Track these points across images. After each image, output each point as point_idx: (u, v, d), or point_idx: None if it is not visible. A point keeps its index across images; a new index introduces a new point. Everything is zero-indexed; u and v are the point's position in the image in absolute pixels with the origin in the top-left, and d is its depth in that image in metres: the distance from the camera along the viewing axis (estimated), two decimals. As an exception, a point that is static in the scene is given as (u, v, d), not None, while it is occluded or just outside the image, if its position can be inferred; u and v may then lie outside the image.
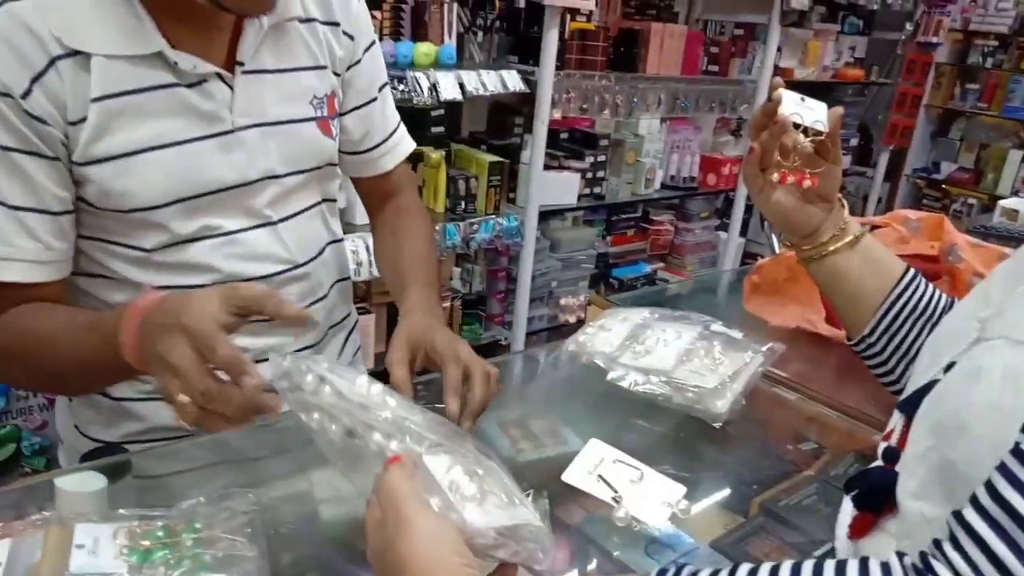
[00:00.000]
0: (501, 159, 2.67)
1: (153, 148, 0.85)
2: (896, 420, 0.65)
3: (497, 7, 2.67)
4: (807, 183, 0.87)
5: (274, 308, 0.70)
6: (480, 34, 2.65)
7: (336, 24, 1.00)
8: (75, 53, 0.79)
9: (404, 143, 1.16)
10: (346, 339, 1.17)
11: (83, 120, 0.81)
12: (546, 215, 3.01)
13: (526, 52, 2.65)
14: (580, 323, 1.19)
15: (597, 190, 3.19)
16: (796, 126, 0.86)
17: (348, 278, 1.16)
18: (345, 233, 1.20)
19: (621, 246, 3.55)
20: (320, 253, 1.05)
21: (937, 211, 1.27)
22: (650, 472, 0.83)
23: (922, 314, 0.85)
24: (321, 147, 1.00)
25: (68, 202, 0.85)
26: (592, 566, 0.80)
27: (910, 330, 0.85)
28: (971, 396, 0.53)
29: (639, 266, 3.60)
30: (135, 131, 0.84)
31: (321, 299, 1.06)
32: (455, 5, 2.43)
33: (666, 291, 2.42)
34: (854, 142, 4.49)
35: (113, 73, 0.82)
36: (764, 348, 1.05)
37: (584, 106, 2.80)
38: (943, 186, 4.48)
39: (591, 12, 2.79)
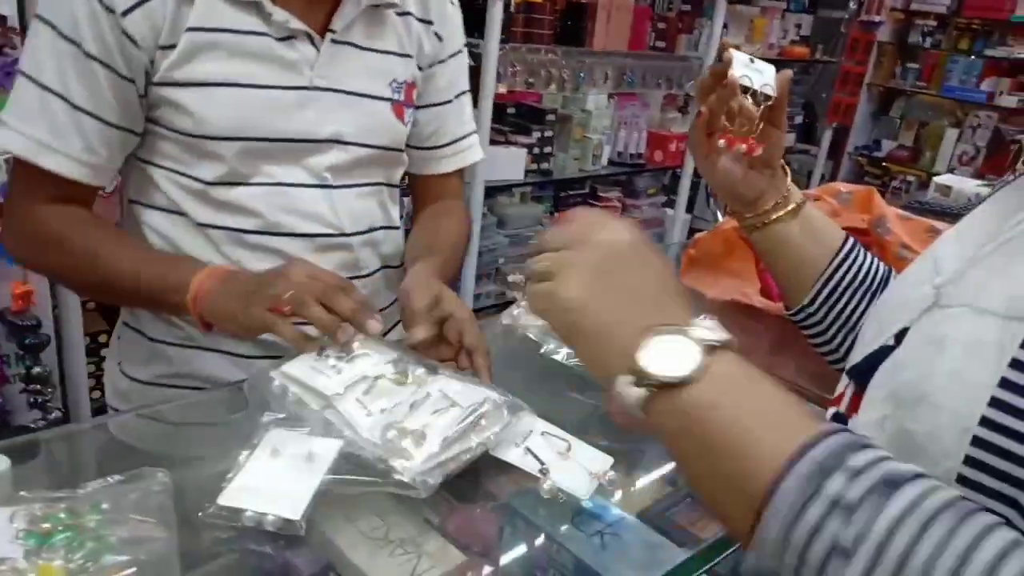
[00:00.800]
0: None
1: (232, 84, 0.91)
2: (844, 385, 0.64)
3: (441, -23, 2.62)
4: (756, 150, 0.85)
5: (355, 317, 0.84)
6: (424, 5, 2.60)
7: (430, 23, 1.07)
8: None
9: (471, 152, 1.20)
10: (391, 328, 1.14)
11: (173, 46, 0.88)
12: (493, 191, 2.99)
13: (471, 24, 2.59)
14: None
15: (544, 166, 3.17)
16: (744, 90, 0.83)
17: (400, 266, 1.13)
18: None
19: (569, 222, 3.55)
20: (369, 231, 1.06)
21: (878, 188, 1.29)
22: (578, 444, 0.83)
23: (862, 283, 0.85)
24: (392, 128, 1.04)
25: (125, 119, 0.91)
26: (520, 539, 0.80)
27: (850, 300, 0.85)
28: (933, 366, 0.52)
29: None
30: (219, 65, 0.90)
31: (362, 276, 1.07)
32: (397, -26, 2.37)
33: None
34: (799, 119, 4.56)
35: (213, 10, 0.89)
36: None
37: (530, 80, 2.78)
38: (884, 164, 4.59)
39: (537, -16, 2.76)
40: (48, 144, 0.88)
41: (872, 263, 0.87)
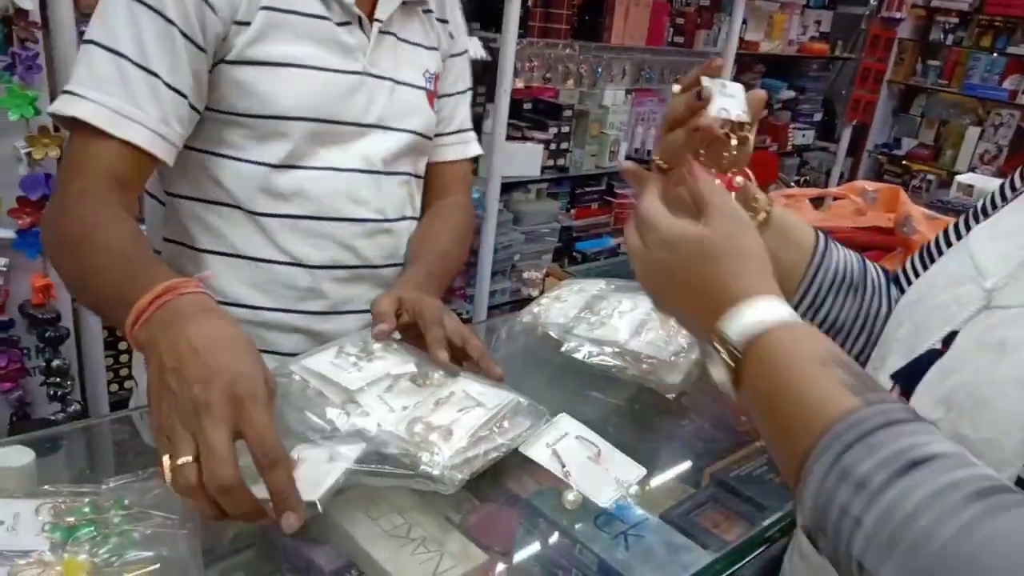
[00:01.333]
0: (463, 129, 2.63)
1: (301, 66, 0.94)
2: (888, 388, 0.62)
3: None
4: (739, 181, 0.73)
5: None
6: (442, 0, 2.60)
7: (445, 22, 1.13)
8: None
9: (473, 145, 1.24)
10: None
11: (248, 23, 0.90)
12: (509, 187, 2.98)
13: (488, 19, 2.60)
14: (543, 295, 1.17)
15: (561, 162, 3.16)
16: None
17: None
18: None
19: (585, 219, 3.54)
20: (402, 219, 1.08)
21: (898, 186, 1.27)
22: (611, 451, 0.82)
23: (842, 282, 0.80)
24: (427, 116, 1.09)
25: (195, 95, 0.90)
26: (542, 539, 0.79)
27: (834, 301, 0.80)
28: (994, 370, 0.51)
29: (603, 240, 3.59)
30: (289, 46, 0.93)
31: (399, 265, 1.09)
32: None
33: (627, 263, 2.41)
34: (818, 116, 4.51)
35: None
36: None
37: (547, 75, 2.77)
38: (903, 162, 4.54)
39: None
40: (127, 113, 0.84)
41: (845, 257, 0.82)
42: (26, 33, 1.56)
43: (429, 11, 1.09)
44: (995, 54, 4.11)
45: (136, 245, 0.81)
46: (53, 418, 1.81)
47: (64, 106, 0.84)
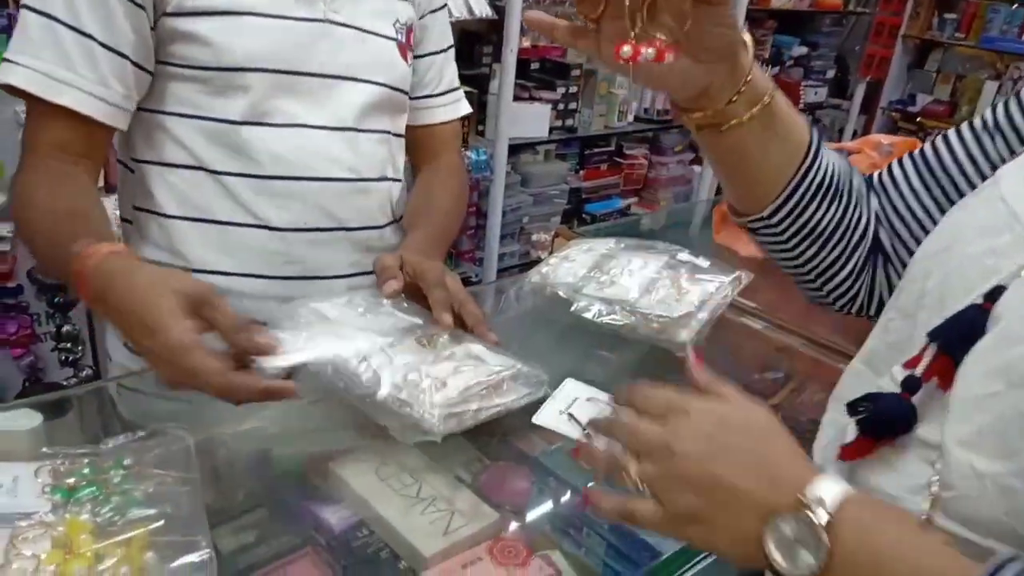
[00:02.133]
0: (469, 89, 2.57)
1: (254, 14, 0.90)
2: (921, 347, 0.55)
3: (464, -73, 2.54)
4: (667, 55, 0.59)
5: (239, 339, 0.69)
6: (446, -44, 2.54)
7: None
8: None
9: (462, 104, 1.20)
10: None
11: None
12: (516, 148, 2.94)
13: (495, -24, 2.54)
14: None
15: (569, 122, 3.11)
16: None
17: (399, 221, 1.11)
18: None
19: (594, 180, 3.50)
20: (382, 180, 1.04)
21: (912, 141, 1.24)
22: (621, 410, 0.81)
23: (829, 186, 0.73)
24: (399, 67, 1.04)
25: (139, 53, 0.87)
26: (552, 496, 0.79)
27: (819, 205, 0.73)
28: None
29: (612, 201, 3.56)
30: None
31: (377, 227, 1.05)
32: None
33: (638, 225, 2.39)
34: (831, 73, 4.42)
35: None
36: (730, 277, 1.02)
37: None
38: (918, 119, 4.45)
39: (562, -67, 2.68)
40: (60, 78, 0.83)
41: (834, 160, 0.75)
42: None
43: None
44: (1015, 5, 4.00)
45: (65, 212, 0.84)
46: (65, 383, 1.82)
47: (1, 74, 0.83)
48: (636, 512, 0.54)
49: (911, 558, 0.46)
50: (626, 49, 0.58)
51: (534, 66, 3.05)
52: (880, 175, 0.79)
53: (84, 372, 1.86)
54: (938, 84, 4.44)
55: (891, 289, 0.78)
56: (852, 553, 0.46)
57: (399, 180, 1.09)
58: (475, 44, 2.83)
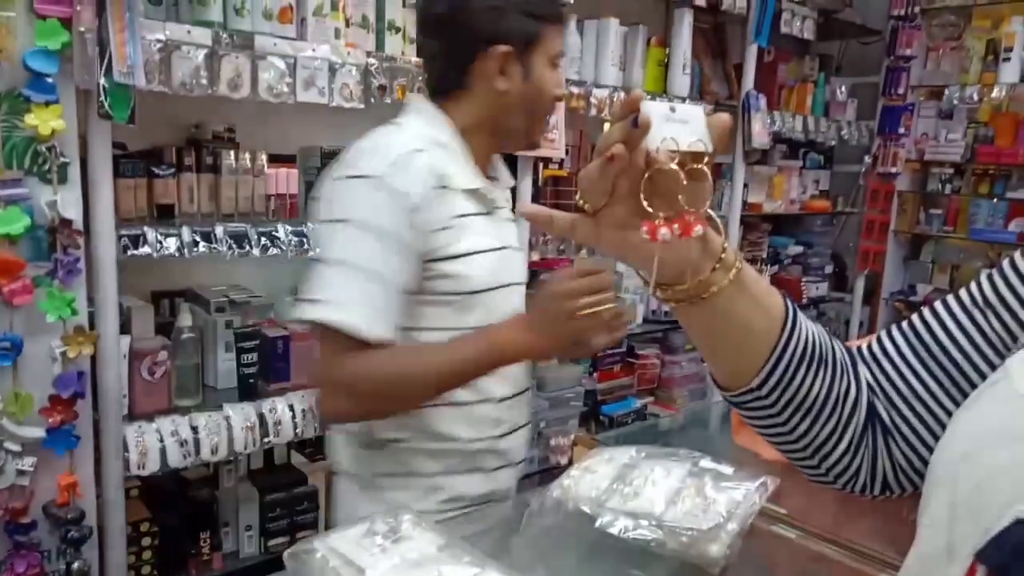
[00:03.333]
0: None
1: (482, 251, 1.32)
2: (965, 568, 0.51)
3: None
4: (697, 230, 0.60)
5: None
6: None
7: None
8: (444, 187, 1.27)
9: None
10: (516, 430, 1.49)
11: (446, 228, 1.27)
12: (531, 355, 2.99)
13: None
14: (571, 463, 1.15)
15: (580, 328, 3.19)
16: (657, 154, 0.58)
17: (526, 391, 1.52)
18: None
19: (608, 382, 3.52)
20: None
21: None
22: None
23: (812, 354, 0.72)
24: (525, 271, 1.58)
25: (412, 284, 1.26)
26: None
27: (806, 374, 0.71)
28: None
29: (628, 402, 3.55)
30: (472, 239, 1.30)
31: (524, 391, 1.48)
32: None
33: (656, 427, 2.38)
34: (828, 269, 4.58)
35: (460, 200, 1.31)
36: (756, 483, 1.01)
37: (561, 248, 2.86)
38: (921, 307, 4.53)
39: (562, 160, 2.91)
40: (374, 317, 1.19)
41: (813, 328, 0.74)
42: (69, 240, 1.66)
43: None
44: (995, 200, 4.22)
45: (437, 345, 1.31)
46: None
47: (329, 313, 1.19)
48: None
49: None
50: (664, 232, 0.58)
51: (543, 277, 3.18)
52: (870, 347, 0.78)
53: (90, 611, 1.78)
54: (935, 273, 4.57)
55: (894, 465, 0.75)
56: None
57: None
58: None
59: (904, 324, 0.78)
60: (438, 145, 1.30)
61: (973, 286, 0.74)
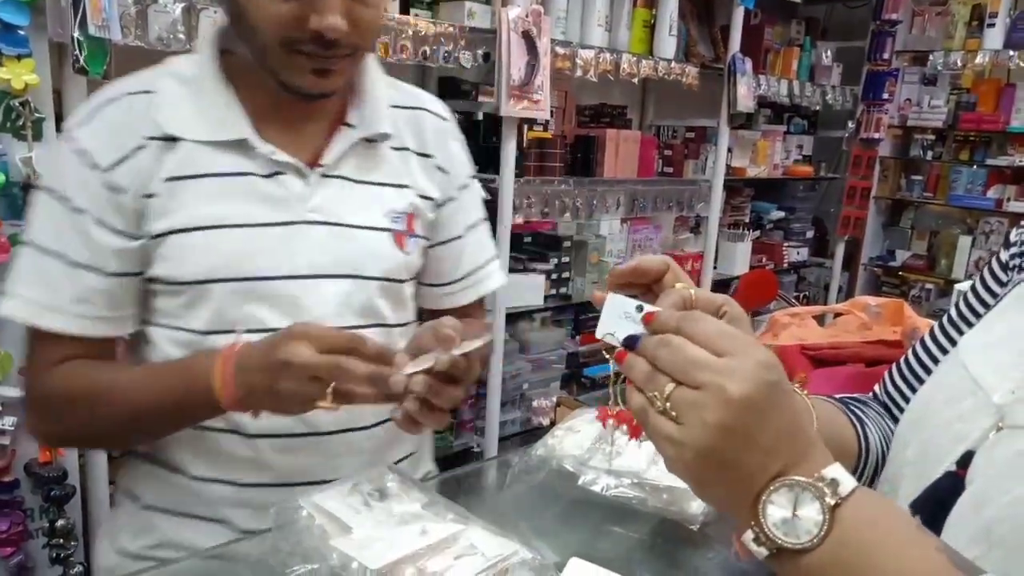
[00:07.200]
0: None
1: (216, 227, 0.92)
2: None
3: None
4: (640, 433, 0.60)
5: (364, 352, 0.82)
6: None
7: (429, 156, 1.08)
8: (168, 138, 0.92)
9: (491, 279, 1.20)
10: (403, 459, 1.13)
11: (153, 195, 0.91)
12: (513, 317, 3.01)
13: (487, 162, 2.71)
14: (553, 425, 1.16)
15: (563, 290, 3.21)
16: (610, 348, 0.62)
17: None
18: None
19: (590, 344, 3.54)
20: None
21: (896, 297, 1.28)
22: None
23: (878, 464, 0.74)
24: (391, 257, 1.03)
25: (125, 265, 0.93)
26: None
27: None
28: None
29: (609, 364, 3.58)
30: (200, 209, 0.92)
31: (361, 429, 1.01)
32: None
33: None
34: (810, 234, 4.62)
35: (195, 156, 0.92)
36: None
37: (545, 210, 2.85)
38: (900, 273, 4.59)
39: (547, 122, 2.89)
40: (46, 304, 0.91)
41: (874, 436, 0.75)
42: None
43: (403, 148, 1.05)
44: (975, 166, 4.25)
45: (136, 370, 0.96)
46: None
47: None
48: (654, 423, 0.51)
49: (898, 555, 0.45)
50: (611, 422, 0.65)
51: (527, 239, 3.18)
52: (888, 388, 0.80)
53: (75, 570, 1.79)
54: (914, 240, 4.62)
55: None
56: (845, 538, 0.46)
57: None
58: (470, 222, 2.97)
59: (903, 364, 0.80)
60: (183, 83, 0.94)
61: (952, 310, 0.76)
